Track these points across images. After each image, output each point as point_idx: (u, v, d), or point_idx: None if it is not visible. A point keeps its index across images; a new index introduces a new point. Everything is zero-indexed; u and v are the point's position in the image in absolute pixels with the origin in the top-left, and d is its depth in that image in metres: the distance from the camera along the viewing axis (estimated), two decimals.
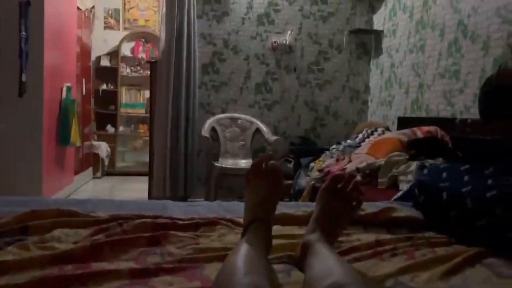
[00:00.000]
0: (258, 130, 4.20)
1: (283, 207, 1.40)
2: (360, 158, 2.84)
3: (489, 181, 1.01)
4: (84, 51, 5.28)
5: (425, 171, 1.23)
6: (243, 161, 4.10)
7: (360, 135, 3.59)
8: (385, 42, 4.21)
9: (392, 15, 4.07)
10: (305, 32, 4.37)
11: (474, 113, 2.90)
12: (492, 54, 2.75)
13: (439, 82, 3.32)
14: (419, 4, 3.61)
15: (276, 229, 1.10)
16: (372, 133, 3.51)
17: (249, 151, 4.20)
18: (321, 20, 4.38)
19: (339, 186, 0.96)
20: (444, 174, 1.18)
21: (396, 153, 2.62)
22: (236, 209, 1.38)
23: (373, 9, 4.42)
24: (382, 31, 4.25)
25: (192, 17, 4.01)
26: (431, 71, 3.43)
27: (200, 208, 1.44)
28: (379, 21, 4.34)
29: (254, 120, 4.23)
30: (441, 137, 2.84)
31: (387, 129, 3.73)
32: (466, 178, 1.09)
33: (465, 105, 3.01)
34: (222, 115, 4.22)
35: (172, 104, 3.99)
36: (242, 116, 4.24)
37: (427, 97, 3.48)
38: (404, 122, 3.59)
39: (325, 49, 4.43)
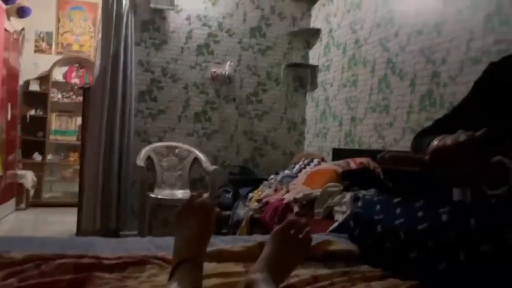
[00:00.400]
0: (196, 160, 4.13)
1: (220, 242, 1.35)
2: (297, 189, 2.87)
3: (420, 214, 1.04)
4: (11, 75, 4.97)
5: (360, 203, 1.24)
6: (180, 191, 3.99)
7: (297, 166, 3.64)
8: (320, 76, 4.37)
9: (327, 51, 4.25)
10: (244, 63, 4.43)
11: (402, 146, 3.05)
12: (419, 90, 2.94)
13: (370, 116, 3.48)
14: (351, 42, 3.80)
15: (212, 267, 1.05)
16: (308, 164, 3.58)
17: (187, 181, 4.11)
18: (260, 53, 4.47)
19: (292, 231, 0.96)
20: (378, 207, 1.19)
21: (331, 183, 2.67)
22: (169, 245, 1.30)
23: (309, 45, 4.60)
24: (317, 66, 4.42)
25: (129, 44, 3.92)
26: (363, 105, 3.59)
27: (130, 244, 1.35)
28: (314, 56, 4.51)
29: (192, 149, 4.16)
30: (373, 168, 2.95)
31: (323, 159, 3.82)
32: (398, 210, 1.11)
33: (395, 138, 3.17)
34: (159, 144, 4.11)
35: (105, 131, 3.83)
36: (180, 145, 4.16)
37: (359, 129, 3.63)
38: (338, 153, 3.70)
39: (264, 81, 4.51)
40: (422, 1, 2.94)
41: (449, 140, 0.85)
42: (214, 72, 4.29)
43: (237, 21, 4.39)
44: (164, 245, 1.33)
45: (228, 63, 4.30)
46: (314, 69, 4.47)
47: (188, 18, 4.24)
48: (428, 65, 2.85)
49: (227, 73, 4.29)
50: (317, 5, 4.49)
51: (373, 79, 3.47)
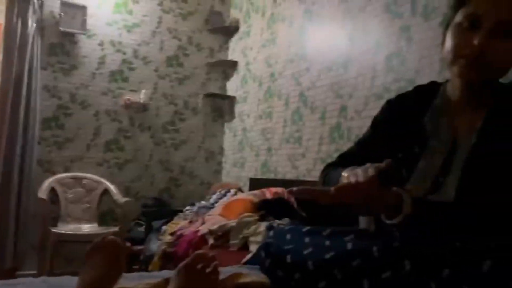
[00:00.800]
0: (106, 191, 3.90)
1: (124, 280, 1.25)
2: (213, 220, 2.82)
3: (327, 243, 1.04)
4: None
5: (271, 233, 1.23)
6: (88, 226, 3.72)
7: (214, 196, 3.60)
8: (238, 107, 4.43)
9: (244, 83, 4.34)
10: (160, 92, 4.35)
11: (314, 176, 3.16)
12: (328, 123, 3.08)
13: (285, 147, 3.57)
14: (267, 75, 3.92)
15: None
16: (225, 194, 3.55)
17: (95, 215, 3.85)
18: (177, 82, 4.43)
19: (199, 266, 0.92)
20: (288, 236, 1.19)
21: (247, 214, 2.66)
22: (66, 286, 1.18)
23: (226, 76, 4.66)
24: (235, 97, 4.48)
25: (34, 68, 3.66)
26: (278, 136, 3.68)
27: (21, 287, 1.20)
28: (232, 87, 4.58)
29: (102, 180, 3.93)
30: (288, 198, 3.00)
31: (240, 189, 3.82)
32: (307, 239, 1.11)
33: (307, 168, 3.27)
34: (64, 175, 3.82)
35: (4, 160, 3.48)
36: (89, 175, 3.91)
37: (275, 159, 3.70)
38: (255, 183, 3.73)
39: (181, 110, 4.45)
40: (331, 40, 3.14)
41: (357, 173, 0.87)
42: (128, 99, 4.15)
43: (154, 49, 4.33)
44: (60, 286, 1.20)
45: (144, 91, 4.19)
46: (232, 100, 4.52)
47: (101, 44, 4.09)
48: (337, 99, 3.02)
49: (142, 100, 4.17)
50: (234, 38, 4.59)
51: (287, 111, 3.59)
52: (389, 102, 1.12)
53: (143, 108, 4.22)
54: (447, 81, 1.05)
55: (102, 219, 3.93)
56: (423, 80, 1.14)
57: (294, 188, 0.87)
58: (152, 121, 4.31)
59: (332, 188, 0.83)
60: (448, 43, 0.93)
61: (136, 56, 4.25)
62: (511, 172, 0.84)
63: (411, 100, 1.07)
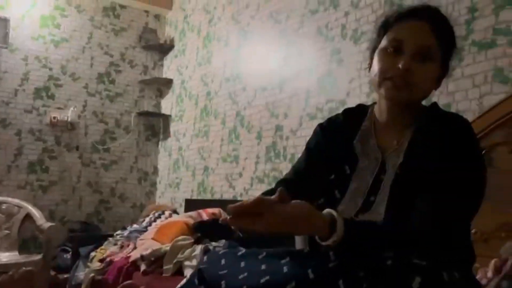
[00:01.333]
0: (28, 216, 3.60)
1: None
2: (145, 244, 2.69)
3: (263, 266, 1.01)
4: None
5: (205, 258, 1.18)
6: (6, 254, 3.40)
7: (147, 219, 3.45)
8: (173, 126, 4.33)
9: (179, 101, 4.26)
10: (90, 110, 4.15)
11: (251, 195, 3.14)
12: (264, 142, 3.10)
13: (222, 166, 3.53)
14: (203, 94, 3.89)
15: None
16: (159, 216, 3.42)
17: (16, 242, 3.53)
18: (108, 99, 4.25)
19: None
20: (223, 261, 1.14)
21: (181, 237, 2.57)
22: None
23: (161, 94, 4.56)
24: (170, 116, 4.38)
25: None
26: (215, 155, 3.64)
27: None
28: (167, 105, 4.48)
29: (24, 204, 3.62)
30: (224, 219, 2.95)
31: (175, 211, 3.70)
32: (242, 264, 1.08)
33: (244, 188, 3.25)
34: None
35: None
36: (9, 199, 3.59)
37: (211, 179, 3.65)
38: (191, 204, 3.64)
39: (112, 128, 4.27)
40: (266, 60, 3.18)
41: None
42: (55, 117, 3.91)
43: (83, 65, 4.14)
44: None
45: (72, 108, 3.98)
46: (166, 118, 4.42)
47: (25, 59, 3.84)
48: (272, 119, 3.05)
49: (69, 119, 3.95)
50: (169, 56, 4.52)
51: (223, 130, 3.56)
52: (320, 125, 1.14)
53: (70, 126, 3.99)
54: (374, 103, 1.09)
55: (24, 246, 3.62)
56: (354, 101, 1.18)
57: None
58: (81, 141, 4.09)
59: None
60: (375, 66, 0.98)
61: (64, 72, 4.04)
62: (435, 189, 0.87)
63: (341, 123, 1.10)
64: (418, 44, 0.92)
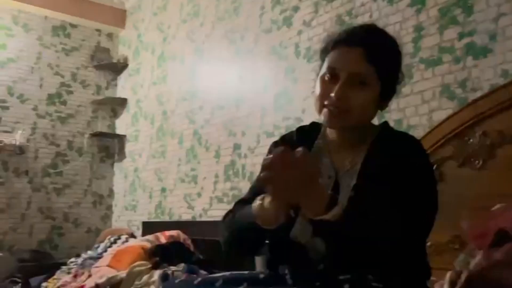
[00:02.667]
0: None
1: None
2: (101, 272, 2.56)
3: None
4: None
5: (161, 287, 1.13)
6: None
7: (102, 245, 3.30)
8: (129, 146, 4.22)
9: (135, 121, 4.17)
10: (40, 132, 3.98)
11: (211, 215, 3.09)
12: (223, 161, 3.06)
13: (180, 186, 3.46)
14: (159, 113, 3.82)
15: None
16: (115, 241, 3.28)
17: None
18: (59, 121, 4.09)
19: None
20: None
21: (138, 262, 2.47)
22: None
23: (115, 114, 4.44)
24: (125, 136, 4.27)
25: None
26: (172, 175, 3.56)
27: None
28: (122, 126, 4.36)
29: None
30: (184, 240, 2.87)
31: (132, 235, 3.56)
32: None
33: (203, 208, 3.19)
34: None
35: None
36: None
37: (170, 200, 3.56)
38: (149, 227, 3.52)
39: (64, 151, 4.10)
40: (222, 78, 3.18)
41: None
42: (1, 141, 3.71)
43: (32, 87, 3.97)
44: None
45: (20, 132, 3.79)
46: (121, 139, 4.30)
47: None
48: (230, 137, 3.03)
49: (17, 142, 3.76)
50: (123, 75, 4.42)
51: (181, 150, 3.50)
52: (275, 143, 1.13)
53: (19, 150, 3.80)
54: None
55: None
56: (309, 118, 1.18)
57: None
58: (30, 165, 3.89)
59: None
60: (316, 92, 0.99)
61: (11, 94, 3.86)
62: (389, 211, 0.87)
63: (294, 142, 1.09)
64: (350, 71, 0.92)
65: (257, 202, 0.89)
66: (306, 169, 0.76)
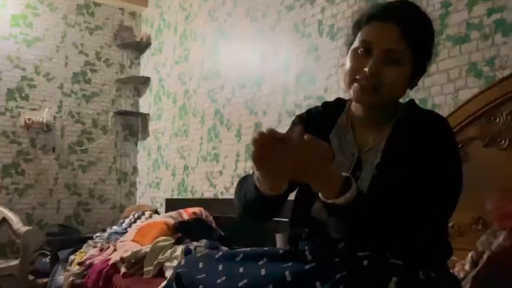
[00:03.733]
0: (5, 220, 3.50)
1: None
2: (125, 246, 2.65)
3: (241, 269, 1.01)
4: None
5: (182, 262, 1.16)
6: None
7: (127, 220, 3.40)
8: (152, 125, 4.28)
9: (157, 100, 4.21)
10: (66, 110, 4.06)
11: (232, 193, 3.12)
12: (244, 140, 3.08)
13: (202, 165, 3.50)
14: (181, 92, 3.84)
15: None
16: (139, 217, 3.37)
17: None
18: (84, 99, 4.17)
19: None
20: (201, 265, 1.13)
21: (162, 238, 2.54)
22: None
23: (138, 93, 4.49)
24: (148, 114, 4.32)
25: None
26: (194, 154, 3.60)
27: None
28: (145, 104, 4.42)
29: None
30: (206, 217, 2.93)
31: (156, 211, 3.66)
32: (220, 267, 1.07)
33: (225, 186, 3.23)
34: None
35: None
36: None
37: (192, 178, 3.61)
38: (171, 204, 3.60)
39: (89, 129, 4.19)
40: (244, 58, 3.16)
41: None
42: (29, 119, 3.81)
43: (58, 65, 4.04)
44: None
45: (47, 109, 3.89)
46: (145, 117, 4.36)
47: None
48: (251, 116, 3.03)
49: (45, 120, 3.86)
50: (146, 54, 4.45)
51: (203, 129, 3.53)
52: (299, 116, 1.13)
53: (46, 128, 3.90)
54: None
55: (1, 251, 3.54)
56: (332, 97, 1.17)
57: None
58: (57, 142, 4.00)
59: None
60: (346, 66, 0.97)
61: (38, 73, 3.94)
62: (412, 191, 0.87)
63: (319, 116, 1.09)
64: (385, 48, 0.90)
65: (255, 175, 0.89)
66: (302, 151, 0.75)
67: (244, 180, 1.04)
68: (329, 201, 0.80)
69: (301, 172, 0.77)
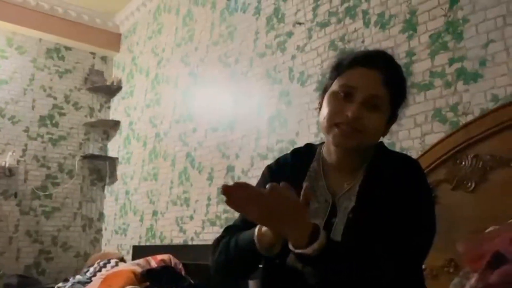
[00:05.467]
0: None
1: None
2: None
3: None
4: None
5: None
6: None
7: (92, 269, 3.24)
8: (120, 169, 4.19)
9: (127, 143, 4.15)
10: (31, 154, 3.94)
11: (202, 239, 3.05)
12: (216, 183, 3.05)
13: (172, 209, 3.42)
14: (151, 135, 3.81)
15: None
16: (104, 266, 3.22)
17: None
18: (51, 143, 4.06)
19: None
20: None
21: (129, 287, 2.43)
22: None
23: (107, 136, 4.43)
24: (117, 158, 4.24)
25: None
26: (164, 198, 3.53)
27: None
28: (114, 148, 4.34)
29: None
30: (175, 265, 2.83)
31: (122, 259, 3.51)
32: None
33: (195, 231, 3.15)
34: None
35: None
36: None
37: (161, 224, 3.51)
38: (139, 251, 3.47)
39: (55, 173, 4.06)
40: (217, 101, 3.19)
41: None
42: None
43: (24, 108, 3.96)
44: None
45: (10, 153, 3.75)
46: (113, 161, 4.27)
47: None
48: (223, 159, 3.02)
49: (7, 164, 3.72)
50: (116, 98, 4.43)
51: (173, 172, 3.48)
52: (268, 167, 1.11)
53: (8, 172, 3.75)
54: (322, 143, 1.08)
55: None
56: (303, 140, 1.18)
57: (230, 184, 0.79)
58: (20, 187, 3.84)
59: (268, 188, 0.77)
60: (325, 109, 0.96)
61: (3, 115, 3.84)
62: (388, 236, 0.87)
63: (289, 164, 1.08)
64: (368, 93, 0.92)
65: (257, 227, 0.88)
66: (276, 203, 0.77)
67: (230, 233, 1.00)
68: (298, 251, 0.79)
69: (271, 220, 0.78)
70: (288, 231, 0.79)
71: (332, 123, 0.94)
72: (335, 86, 0.96)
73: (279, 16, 2.80)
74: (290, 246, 0.80)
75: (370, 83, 0.93)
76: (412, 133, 1.97)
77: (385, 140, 2.00)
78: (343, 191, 0.98)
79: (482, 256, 1.30)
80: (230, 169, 2.95)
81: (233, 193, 0.78)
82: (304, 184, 0.80)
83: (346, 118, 0.91)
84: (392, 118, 1.00)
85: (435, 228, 0.93)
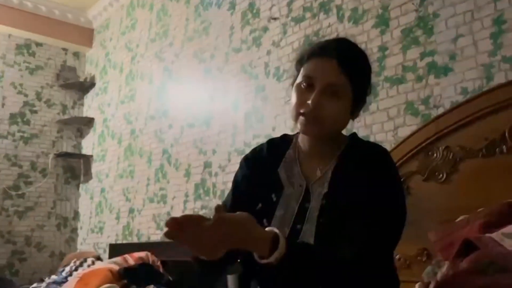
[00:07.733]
0: None
1: None
2: None
3: None
4: None
5: None
6: None
7: (67, 268, 3.18)
8: (95, 167, 4.12)
9: (102, 141, 4.08)
10: (1, 153, 3.84)
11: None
12: (193, 180, 3.04)
13: (148, 207, 3.40)
14: (127, 132, 3.76)
15: None
16: (81, 265, 3.17)
17: None
18: (22, 141, 3.96)
19: None
20: None
21: (106, 285, 2.40)
22: None
23: (81, 134, 4.35)
24: (91, 156, 4.17)
25: None
26: (141, 195, 3.49)
27: None
28: (88, 145, 4.27)
29: None
30: (153, 262, 2.81)
31: (98, 258, 3.46)
32: None
33: None
34: None
35: None
36: None
37: (138, 222, 3.48)
38: (116, 249, 3.42)
39: (27, 172, 3.96)
40: (193, 97, 3.17)
41: None
42: None
43: None
44: None
45: None
46: (87, 159, 4.20)
47: None
48: (200, 155, 3.01)
49: None
50: (90, 94, 4.35)
51: (150, 169, 3.45)
52: (245, 158, 1.14)
53: None
54: (298, 132, 1.11)
55: None
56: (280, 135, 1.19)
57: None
58: None
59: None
60: (292, 100, 1.01)
61: None
62: (361, 218, 0.89)
63: (265, 153, 1.11)
64: (326, 81, 0.95)
65: None
66: (222, 232, 0.78)
67: None
68: (263, 261, 0.81)
69: (225, 244, 0.79)
70: (249, 247, 0.82)
71: (297, 112, 0.98)
72: (299, 78, 1.01)
73: (254, 11, 2.80)
74: (256, 258, 0.83)
75: (327, 71, 0.96)
76: (385, 126, 2.01)
77: (360, 133, 2.04)
78: (317, 178, 1.02)
79: (452, 245, 1.34)
80: (207, 165, 2.94)
81: (183, 229, 0.78)
82: (216, 205, 0.81)
83: (307, 106, 0.95)
84: (359, 103, 1.02)
85: (405, 214, 0.96)
